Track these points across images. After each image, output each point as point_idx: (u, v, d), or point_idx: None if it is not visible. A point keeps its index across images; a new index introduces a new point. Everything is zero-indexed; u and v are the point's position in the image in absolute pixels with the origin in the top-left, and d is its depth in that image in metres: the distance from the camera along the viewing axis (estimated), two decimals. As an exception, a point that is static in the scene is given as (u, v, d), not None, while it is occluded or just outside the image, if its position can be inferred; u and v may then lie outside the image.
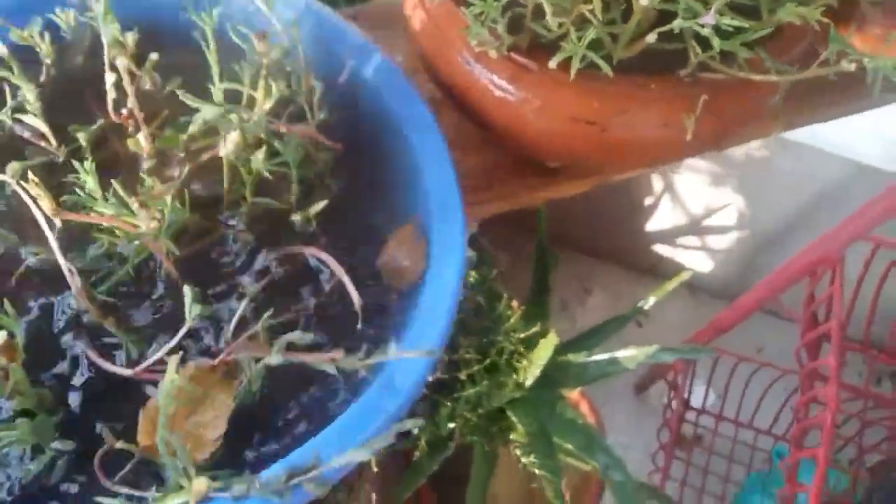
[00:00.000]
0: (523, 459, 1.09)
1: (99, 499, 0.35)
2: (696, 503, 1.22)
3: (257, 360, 0.38)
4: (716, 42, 0.42)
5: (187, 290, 0.39)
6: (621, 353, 1.00)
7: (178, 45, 0.49)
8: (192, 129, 0.44)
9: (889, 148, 0.96)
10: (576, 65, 0.42)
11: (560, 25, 0.43)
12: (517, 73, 0.45)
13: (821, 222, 0.92)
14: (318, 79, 0.46)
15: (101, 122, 0.48)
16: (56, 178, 0.45)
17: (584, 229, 1.46)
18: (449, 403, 0.90)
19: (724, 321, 1.01)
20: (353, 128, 0.49)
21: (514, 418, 1.01)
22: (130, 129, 0.45)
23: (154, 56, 0.47)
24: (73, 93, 0.49)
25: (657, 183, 1.29)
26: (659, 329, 1.51)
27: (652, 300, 1.04)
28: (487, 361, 0.92)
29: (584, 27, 0.42)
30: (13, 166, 0.39)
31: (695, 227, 1.35)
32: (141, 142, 0.45)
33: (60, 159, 0.48)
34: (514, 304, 0.95)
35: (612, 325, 1.07)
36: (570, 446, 0.98)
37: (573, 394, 1.24)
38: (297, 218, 0.46)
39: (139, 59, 0.47)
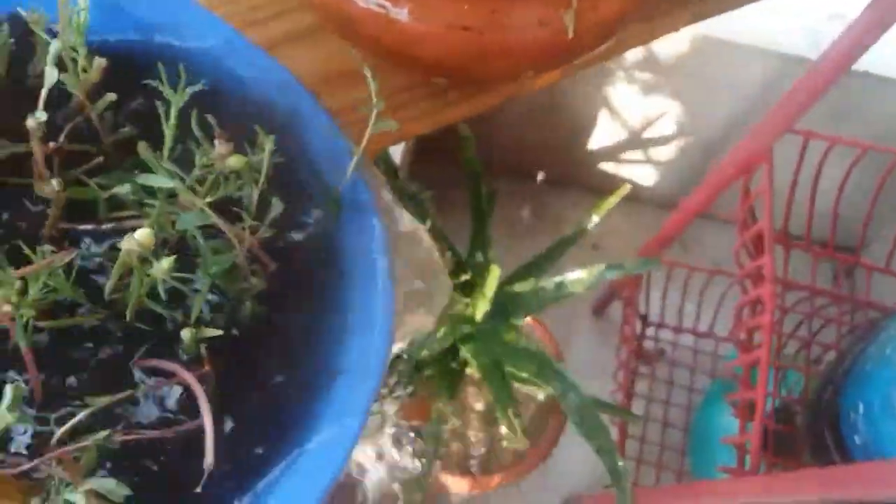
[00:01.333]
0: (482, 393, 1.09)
1: None
2: (663, 416, 1.22)
3: (67, 485, 0.34)
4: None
5: (7, 389, 0.32)
6: (569, 277, 0.99)
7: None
8: (120, 190, 0.38)
9: (814, 36, 0.94)
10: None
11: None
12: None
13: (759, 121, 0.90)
14: (277, 193, 0.40)
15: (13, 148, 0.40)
16: None
17: (522, 155, 1.44)
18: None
19: (668, 231, 1.00)
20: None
21: (467, 354, 1.00)
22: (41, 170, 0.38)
23: (112, 96, 0.41)
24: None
25: (590, 96, 1.26)
26: (612, 247, 1.50)
27: (595, 219, 1.02)
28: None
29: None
30: None
31: (635, 140, 1.32)
32: (53, 185, 0.37)
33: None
34: (448, 255, 0.93)
35: (557, 250, 1.05)
36: (524, 374, 0.97)
37: (528, 321, 1.23)
38: (185, 335, 0.38)
39: (98, 90, 0.40)
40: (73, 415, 0.35)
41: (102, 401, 0.36)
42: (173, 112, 0.38)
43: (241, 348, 0.40)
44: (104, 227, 0.40)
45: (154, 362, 0.38)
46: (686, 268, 1.14)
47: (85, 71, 0.39)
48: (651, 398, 1.23)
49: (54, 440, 0.35)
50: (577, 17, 0.42)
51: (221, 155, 0.37)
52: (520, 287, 1.03)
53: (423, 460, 0.93)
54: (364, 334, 0.40)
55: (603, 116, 1.28)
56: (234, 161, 0.37)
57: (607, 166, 1.41)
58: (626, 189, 1.00)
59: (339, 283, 0.41)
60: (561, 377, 0.95)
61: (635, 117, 1.26)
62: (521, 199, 1.52)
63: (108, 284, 0.37)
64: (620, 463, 0.91)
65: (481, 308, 0.96)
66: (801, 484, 0.55)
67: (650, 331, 1.27)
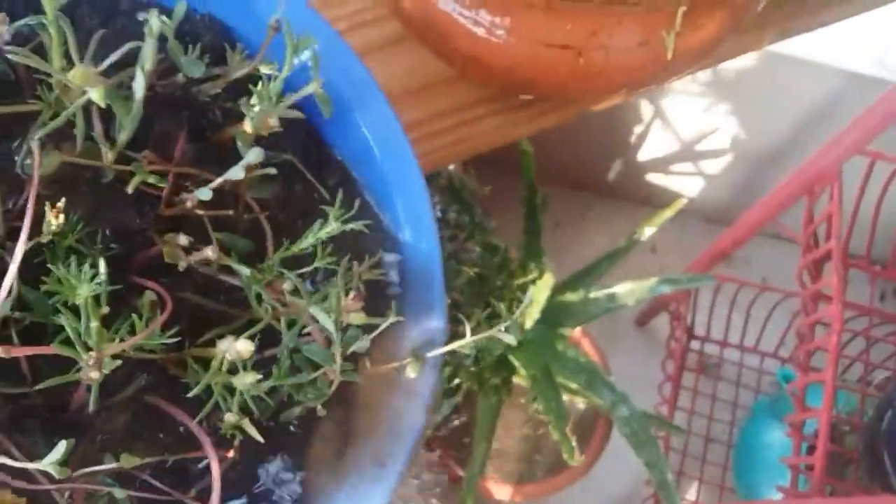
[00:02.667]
0: (528, 405, 1.08)
1: None
2: (706, 431, 1.21)
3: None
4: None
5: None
6: (621, 288, 0.99)
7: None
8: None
9: (881, 55, 0.93)
10: (544, -14, 0.39)
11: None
12: (483, -2, 0.42)
13: (817, 138, 0.89)
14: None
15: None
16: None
17: (573, 165, 1.43)
18: (449, 358, 0.88)
19: (723, 246, 0.99)
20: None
21: (516, 363, 1.00)
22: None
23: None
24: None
25: (646, 110, 1.25)
26: (659, 259, 1.49)
27: (648, 231, 1.02)
28: (488, 311, 0.91)
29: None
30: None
31: (688, 152, 1.31)
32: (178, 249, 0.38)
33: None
34: (513, 253, 0.93)
35: (608, 260, 1.05)
36: (574, 386, 0.97)
37: (574, 333, 1.22)
38: (228, 418, 0.37)
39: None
40: (99, 461, 0.35)
41: (133, 461, 0.35)
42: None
43: (273, 437, 0.39)
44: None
45: (191, 425, 0.37)
46: (736, 282, 1.13)
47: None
48: (694, 412, 1.22)
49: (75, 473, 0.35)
50: (678, 36, 0.42)
51: (348, 307, 0.37)
52: (570, 297, 1.02)
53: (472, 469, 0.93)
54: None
55: (656, 128, 1.28)
56: (354, 317, 0.37)
57: (658, 178, 1.40)
58: (681, 202, 1.00)
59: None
60: (611, 389, 0.95)
61: (689, 130, 1.26)
62: (570, 208, 1.51)
63: (197, 388, 0.37)
64: (670, 477, 0.90)
65: (531, 317, 0.96)
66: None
67: (695, 344, 1.26)
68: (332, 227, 0.38)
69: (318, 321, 0.36)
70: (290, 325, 0.38)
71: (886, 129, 0.68)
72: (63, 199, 0.34)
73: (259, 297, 0.37)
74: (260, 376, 0.35)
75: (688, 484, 1.18)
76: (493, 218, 0.97)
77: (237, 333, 0.36)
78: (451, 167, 0.93)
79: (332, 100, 0.40)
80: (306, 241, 0.38)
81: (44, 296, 0.34)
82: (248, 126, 0.38)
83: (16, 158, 0.37)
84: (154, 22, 0.35)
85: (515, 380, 1.03)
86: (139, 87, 0.35)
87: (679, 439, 1.21)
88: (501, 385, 0.98)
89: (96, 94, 0.32)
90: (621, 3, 0.39)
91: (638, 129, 1.30)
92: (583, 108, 0.51)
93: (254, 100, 0.37)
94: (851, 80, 1.01)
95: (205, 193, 0.37)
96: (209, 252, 0.36)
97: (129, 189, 0.37)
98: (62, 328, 0.32)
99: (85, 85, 0.32)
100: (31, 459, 0.33)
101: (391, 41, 0.54)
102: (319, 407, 0.38)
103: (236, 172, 0.37)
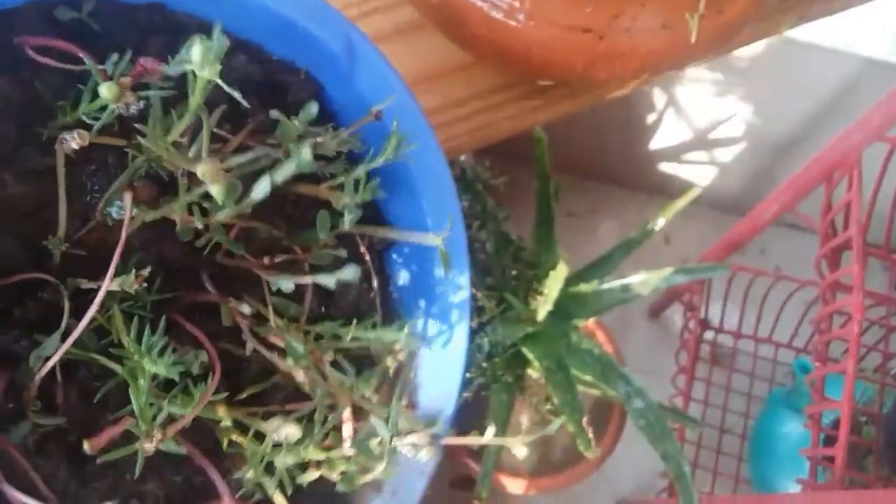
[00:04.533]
0: (541, 398, 1.08)
1: None
2: (721, 422, 1.20)
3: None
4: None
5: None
6: (635, 279, 0.98)
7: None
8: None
9: (898, 40, 0.92)
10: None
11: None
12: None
13: (833, 127, 0.88)
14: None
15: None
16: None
17: (585, 153, 1.42)
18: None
19: (739, 235, 0.98)
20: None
21: (529, 355, 0.99)
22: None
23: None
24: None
25: (659, 99, 1.24)
26: (673, 250, 1.48)
27: (661, 220, 1.01)
28: (502, 306, 0.90)
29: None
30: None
31: (702, 141, 1.30)
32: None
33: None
34: (526, 241, 0.91)
35: (621, 251, 1.04)
36: (588, 377, 0.96)
37: (588, 324, 1.22)
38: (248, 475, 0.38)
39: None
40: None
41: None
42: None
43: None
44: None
45: (217, 482, 0.37)
46: (751, 272, 1.12)
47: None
48: (708, 403, 1.21)
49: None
50: (701, 20, 0.41)
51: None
52: (583, 287, 1.01)
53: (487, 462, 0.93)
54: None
55: (669, 117, 1.27)
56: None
57: (672, 168, 1.39)
58: (695, 192, 0.98)
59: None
60: (626, 381, 0.94)
61: (703, 118, 1.24)
62: (583, 198, 1.50)
63: (246, 474, 0.37)
64: (686, 469, 0.90)
65: (544, 308, 0.95)
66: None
67: (709, 335, 1.25)
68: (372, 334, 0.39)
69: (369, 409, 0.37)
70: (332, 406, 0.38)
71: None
72: (147, 269, 0.34)
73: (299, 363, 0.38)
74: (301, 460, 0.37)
75: (703, 476, 1.17)
76: (506, 210, 0.96)
77: (274, 396, 0.37)
78: (465, 157, 0.92)
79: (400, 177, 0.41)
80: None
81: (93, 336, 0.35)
82: (346, 197, 0.38)
83: (93, 187, 0.37)
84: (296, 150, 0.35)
85: (528, 372, 1.03)
86: (261, 190, 0.35)
87: (694, 431, 1.20)
88: (514, 381, 0.97)
89: (216, 191, 0.32)
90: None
91: (651, 118, 1.29)
92: (601, 94, 0.50)
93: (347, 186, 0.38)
94: (868, 66, 1.00)
95: (286, 286, 0.37)
96: (271, 322, 0.37)
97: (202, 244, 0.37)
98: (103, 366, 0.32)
99: (211, 181, 0.32)
100: (48, 484, 0.33)
101: (405, 28, 0.53)
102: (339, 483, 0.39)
103: (328, 281, 0.38)
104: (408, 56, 0.52)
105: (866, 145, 0.72)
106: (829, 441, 0.83)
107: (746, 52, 1.06)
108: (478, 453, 1.02)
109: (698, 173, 1.38)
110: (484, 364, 0.84)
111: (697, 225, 1.43)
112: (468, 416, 1.06)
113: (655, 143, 1.34)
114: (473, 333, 0.87)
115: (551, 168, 1.01)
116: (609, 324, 1.23)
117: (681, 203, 0.99)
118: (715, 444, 1.20)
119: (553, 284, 0.92)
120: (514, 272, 0.91)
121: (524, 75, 0.49)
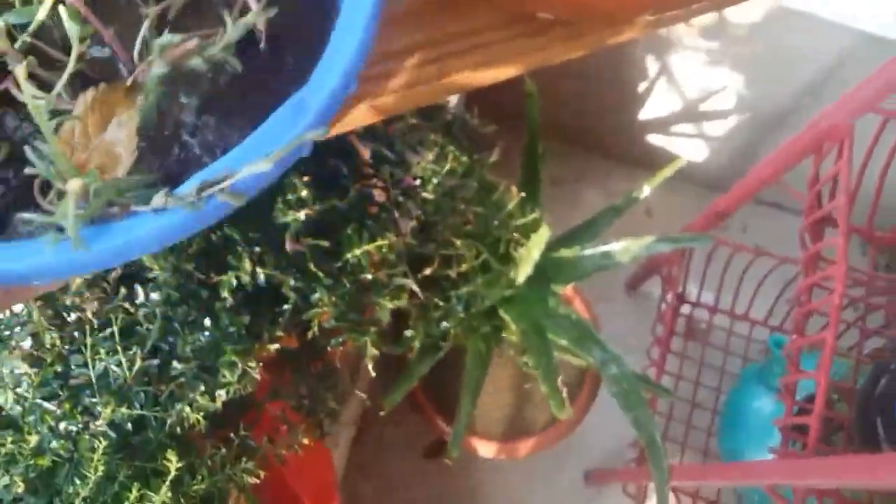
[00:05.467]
0: (517, 359, 1.07)
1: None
2: (692, 396, 1.21)
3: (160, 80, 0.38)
4: None
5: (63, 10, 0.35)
6: (615, 246, 0.97)
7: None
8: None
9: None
10: None
11: None
12: None
13: (825, 100, 0.87)
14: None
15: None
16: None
17: (573, 122, 1.41)
18: (441, 303, 0.86)
19: (723, 205, 0.97)
20: None
21: (506, 317, 0.98)
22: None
23: None
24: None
25: (651, 66, 1.22)
26: (655, 223, 1.48)
27: (646, 189, 1.00)
28: (482, 258, 0.88)
29: None
30: None
31: (691, 114, 1.29)
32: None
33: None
34: (514, 189, 0.90)
35: (604, 218, 1.03)
36: (564, 342, 0.96)
37: (566, 290, 1.21)
38: None
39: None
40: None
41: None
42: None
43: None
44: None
45: None
46: (731, 247, 1.11)
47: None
48: (681, 377, 1.22)
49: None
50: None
51: None
52: (564, 253, 1.01)
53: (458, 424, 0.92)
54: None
55: (659, 88, 1.25)
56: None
57: (659, 140, 1.38)
58: (681, 162, 0.98)
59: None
60: (602, 347, 0.94)
61: (693, 89, 1.23)
62: (569, 166, 1.49)
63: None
64: (658, 436, 0.90)
65: (524, 270, 0.94)
66: (875, 466, 0.53)
67: (685, 309, 1.25)
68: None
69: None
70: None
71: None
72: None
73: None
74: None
75: (672, 448, 1.17)
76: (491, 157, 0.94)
77: None
78: (454, 102, 0.90)
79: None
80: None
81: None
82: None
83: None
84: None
85: (505, 336, 1.02)
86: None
87: (665, 403, 1.21)
88: (491, 333, 0.96)
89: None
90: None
91: (642, 87, 1.27)
92: (605, 37, 0.49)
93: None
94: (863, 40, 0.99)
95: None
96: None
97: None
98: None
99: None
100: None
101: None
102: None
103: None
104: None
105: (860, 115, 0.71)
106: (803, 413, 0.83)
107: (743, 20, 1.05)
108: (451, 417, 1.01)
109: (686, 147, 1.37)
110: (462, 315, 0.83)
111: (681, 200, 1.43)
112: (444, 375, 1.05)
113: (644, 114, 1.33)
114: (451, 283, 0.86)
115: (539, 134, 1.00)
116: (587, 294, 1.22)
117: (667, 172, 0.98)
118: (685, 418, 1.20)
119: (535, 246, 0.91)
120: (496, 221, 0.89)
121: (525, 7, 0.47)
